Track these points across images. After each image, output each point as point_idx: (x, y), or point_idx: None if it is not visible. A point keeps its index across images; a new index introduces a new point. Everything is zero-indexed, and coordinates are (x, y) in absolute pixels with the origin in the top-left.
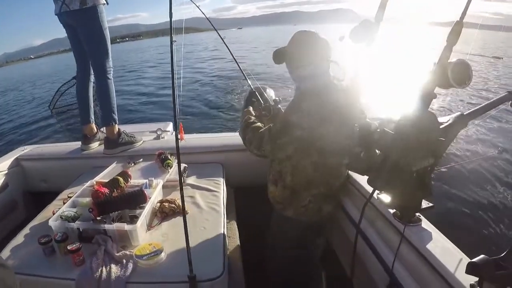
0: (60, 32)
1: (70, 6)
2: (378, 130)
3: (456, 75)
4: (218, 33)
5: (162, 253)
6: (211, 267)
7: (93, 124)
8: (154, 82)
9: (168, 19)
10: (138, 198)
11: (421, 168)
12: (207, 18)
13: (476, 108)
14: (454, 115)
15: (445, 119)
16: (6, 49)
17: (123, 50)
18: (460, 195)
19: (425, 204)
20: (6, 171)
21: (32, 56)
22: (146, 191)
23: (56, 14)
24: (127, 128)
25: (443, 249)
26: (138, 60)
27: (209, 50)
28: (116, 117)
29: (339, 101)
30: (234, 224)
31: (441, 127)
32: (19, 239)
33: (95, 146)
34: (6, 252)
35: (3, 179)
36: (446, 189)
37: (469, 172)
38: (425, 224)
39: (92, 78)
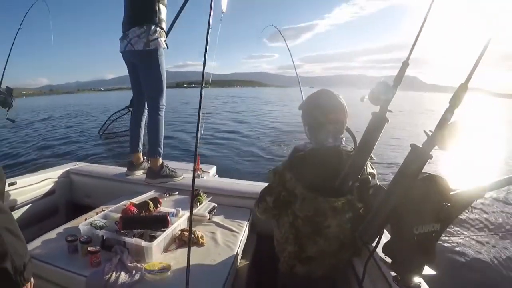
0: None
1: (135, 46)
2: (376, 185)
3: (452, 136)
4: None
5: (169, 272)
6: None
7: (141, 153)
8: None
9: (236, 71)
10: (160, 222)
11: (424, 233)
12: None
13: (500, 179)
14: (471, 185)
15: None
16: (79, 78)
17: (193, 96)
18: (473, 269)
19: (427, 270)
20: (56, 180)
21: (102, 88)
22: (171, 219)
23: (120, 52)
24: (173, 164)
25: None
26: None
27: (270, 104)
28: (161, 150)
29: (333, 167)
30: (247, 265)
31: (451, 193)
32: (51, 235)
33: (139, 173)
34: (37, 242)
35: (51, 185)
36: (456, 258)
37: (488, 245)
38: None
39: (146, 112)
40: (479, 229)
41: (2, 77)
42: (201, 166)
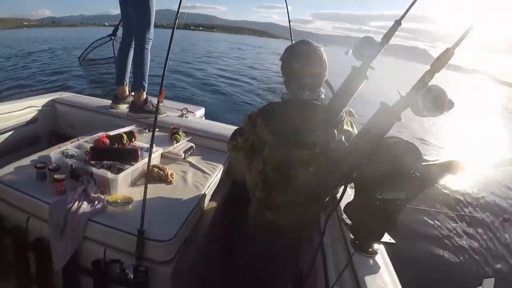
0: None
1: None
2: (338, 140)
3: (426, 100)
4: None
5: (130, 205)
6: (165, 230)
7: (126, 87)
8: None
9: (245, 19)
10: (130, 155)
11: (388, 199)
12: None
13: (480, 160)
14: (448, 159)
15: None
16: (83, 11)
17: (200, 39)
18: (434, 245)
19: (386, 238)
20: (40, 108)
21: (106, 24)
22: (143, 154)
23: None
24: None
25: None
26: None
27: (279, 54)
28: (145, 84)
29: (304, 119)
30: (215, 207)
31: (423, 163)
32: (24, 161)
33: (123, 107)
34: (9, 168)
35: (34, 114)
36: (420, 231)
37: (456, 224)
38: (380, 258)
39: (150, 44)
40: (450, 207)
41: None
42: (187, 105)
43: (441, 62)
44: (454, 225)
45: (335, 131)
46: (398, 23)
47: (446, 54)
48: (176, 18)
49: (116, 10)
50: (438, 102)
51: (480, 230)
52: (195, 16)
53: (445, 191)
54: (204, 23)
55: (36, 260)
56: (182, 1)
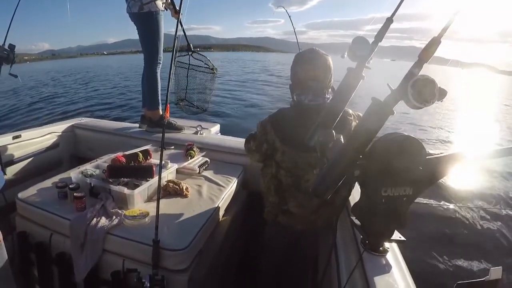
0: (133, 34)
1: (132, 9)
2: (336, 139)
3: (415, 90)
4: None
5: (146, 218)
6: (179, 240)
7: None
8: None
9: (240, 36)
10: (145, 172)
11: (394, 196)
12: None
13: (483, 150)
14: (452, 151)
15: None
16: (81, 42)
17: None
18: (447, 239)
19: (396, 236)
20: (60, 134)
21: (105, 52)
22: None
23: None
24: (174, 120)
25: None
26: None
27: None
28: (160, 102)
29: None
30: (229, 218)
31: (427, 157)
32: (46, 183)
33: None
34: (32, 190)
35: (55, 139)
36: (431, 226)
37: (468, 216)
38: (392, 257)
39: (160, 67)
40: (460, 200)
41: (6, 36)
42: (201, 123)
43: (428, 52)
44: (468, 218)
45: (333, 131)
46: (389, 20)
47: (433, 44)
48: (174, 40)
49: (113, 39)
50: (428, 92)
51: (494, 222)
52: (190, 37)
53: (452, 184)
54: (201, 44)
55: (59, 274)
56: (178, 24)
